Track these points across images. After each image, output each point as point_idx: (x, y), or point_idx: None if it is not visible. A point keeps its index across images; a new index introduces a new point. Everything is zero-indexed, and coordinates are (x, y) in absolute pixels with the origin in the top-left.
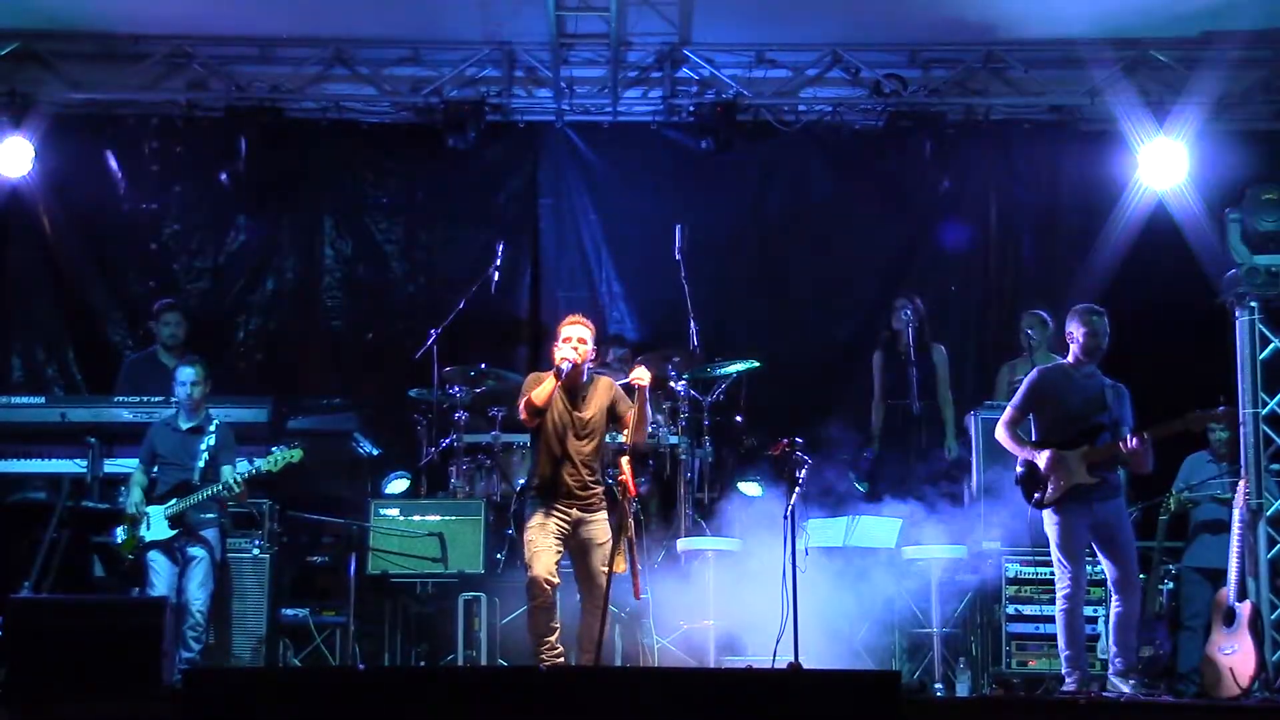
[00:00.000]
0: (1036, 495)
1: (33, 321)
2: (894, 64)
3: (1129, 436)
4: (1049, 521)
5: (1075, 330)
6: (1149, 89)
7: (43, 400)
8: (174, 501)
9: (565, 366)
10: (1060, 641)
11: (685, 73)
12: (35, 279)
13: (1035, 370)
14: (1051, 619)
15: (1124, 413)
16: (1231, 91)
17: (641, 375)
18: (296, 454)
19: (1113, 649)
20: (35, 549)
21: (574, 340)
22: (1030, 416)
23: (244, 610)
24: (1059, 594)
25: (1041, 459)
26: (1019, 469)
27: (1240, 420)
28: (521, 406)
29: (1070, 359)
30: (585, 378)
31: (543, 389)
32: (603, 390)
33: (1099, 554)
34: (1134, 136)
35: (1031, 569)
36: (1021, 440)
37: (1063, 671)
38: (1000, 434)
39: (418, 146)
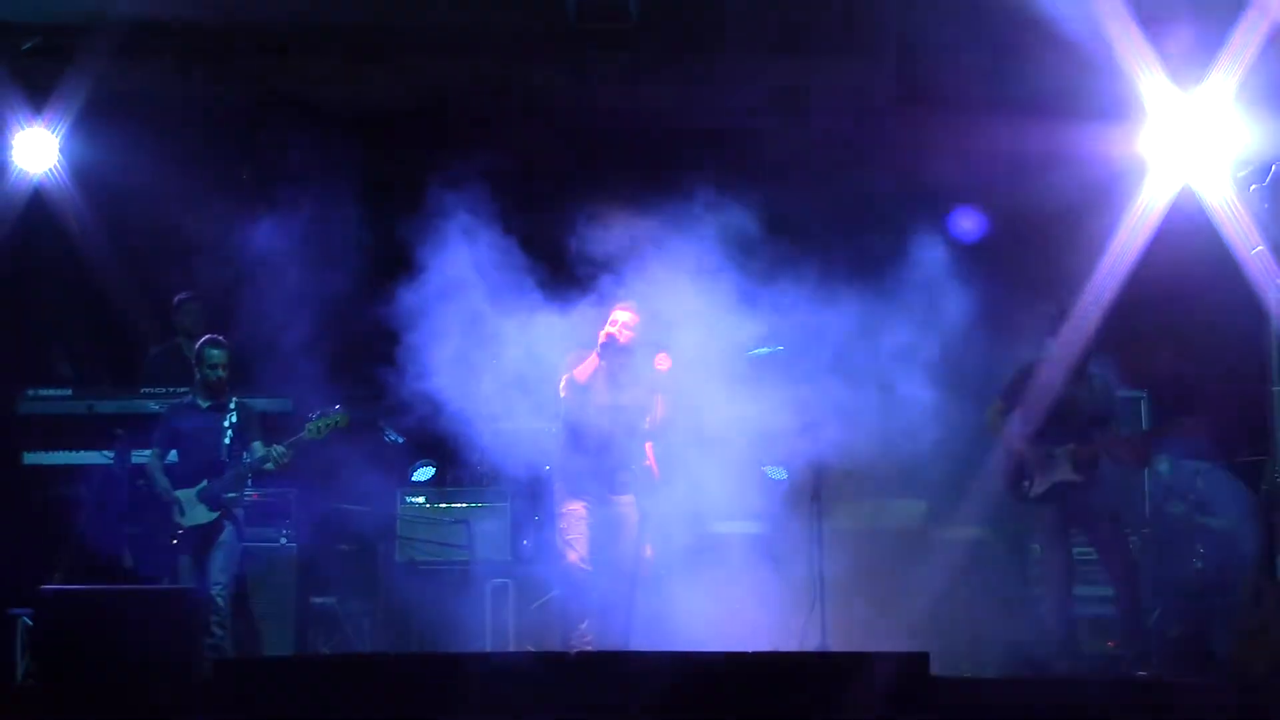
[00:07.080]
0: (1023, 485)
1: (57, 314)
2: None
3: (1135, 437)
4: (1033, 513)
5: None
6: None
7: (69, 392)
8: (205, 483)
9: (606, 341)
10: (1050, 625)
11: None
12: (59, 272)
13: (1027, 362)
14: (1085, 600)
15: (1112, 407)
16: None
17: (662, 361)
18: (343, 417)
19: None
20: (64, 540)
21: (618, 322)
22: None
23: (272, 599)
24: (1047, 581)
25: (1030, 455)
26: (1004, 457)
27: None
28: (563, 384)
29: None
30: (629, 355)
31: (585, 366)
32: (647, 372)
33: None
34: (1150, 112)
35: None
36: (1009, 432)
37: (1054, 654)
38: (991, 421)
39: (442, 139)
